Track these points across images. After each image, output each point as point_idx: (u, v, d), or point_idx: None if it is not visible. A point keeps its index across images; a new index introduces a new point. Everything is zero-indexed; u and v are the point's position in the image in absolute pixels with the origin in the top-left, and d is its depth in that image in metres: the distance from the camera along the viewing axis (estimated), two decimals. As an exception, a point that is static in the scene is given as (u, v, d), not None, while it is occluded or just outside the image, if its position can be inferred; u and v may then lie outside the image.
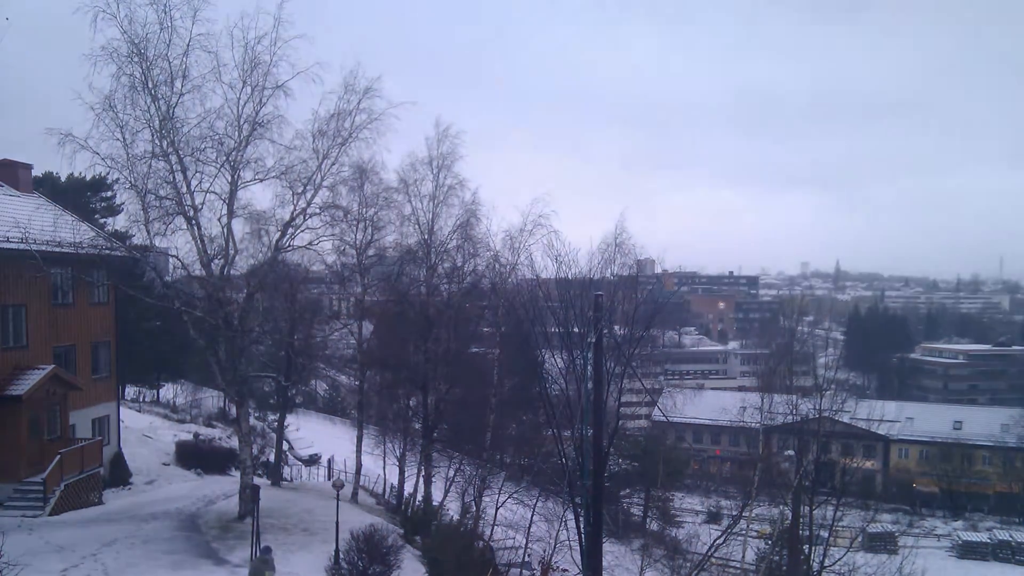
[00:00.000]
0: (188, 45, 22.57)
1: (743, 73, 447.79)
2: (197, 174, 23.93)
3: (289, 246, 26.05)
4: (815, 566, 29.32)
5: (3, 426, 24.48)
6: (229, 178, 24.16)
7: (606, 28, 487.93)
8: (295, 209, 25.31)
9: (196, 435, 42.89)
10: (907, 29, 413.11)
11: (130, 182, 23.40)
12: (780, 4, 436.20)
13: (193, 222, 23.98)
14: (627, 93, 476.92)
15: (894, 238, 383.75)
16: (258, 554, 21.02)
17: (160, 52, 22.64)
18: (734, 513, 35.31)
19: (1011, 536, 57.34)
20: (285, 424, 38.73)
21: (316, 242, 26.56)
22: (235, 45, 23.16)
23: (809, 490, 30.99)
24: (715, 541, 28.99)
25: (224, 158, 23.86)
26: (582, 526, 20.42)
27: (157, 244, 24.06)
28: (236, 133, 23.78)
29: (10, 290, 25.32)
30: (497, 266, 32.75)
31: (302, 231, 25.70)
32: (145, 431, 39.93)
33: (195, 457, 36.78)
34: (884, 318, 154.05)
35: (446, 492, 33.23)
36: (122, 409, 34.24)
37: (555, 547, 29.63)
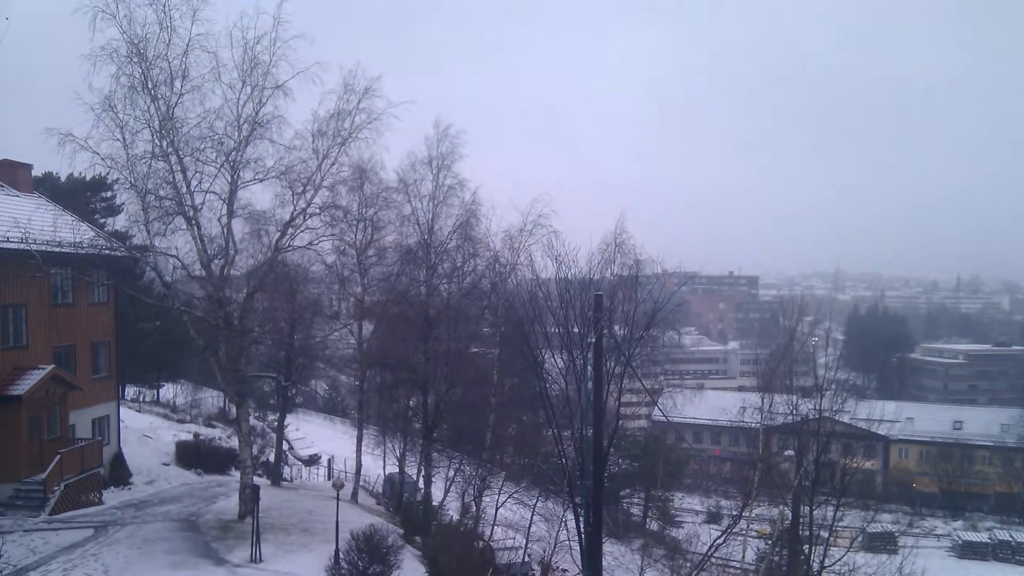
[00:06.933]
0: (188, 45, 22.60)
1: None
2: (197, 174, 23.96)
3: (289, 246, 26.06)
4: (815, 566, 29.25)
5: (3, 426, 24.48)
6: (229, 178, 24.16)
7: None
8: (295, 209, 25.32)
9: (196, 435, 42.88)
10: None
11: (130, 182, 23.40)
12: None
13: (193, 222, 23.98)
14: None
15: (894, 238, 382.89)
16: (258, 555, 21.06)
17: (159, 52, 22.66)
18: (734, 513, 35.28)
19: (1011, 536, 57.41)
20: (285, 424, 38.74)
21: (316, 242, 26.59)
22: (234, 45, 23.21)
23: (809, 490, 30.89)
24: (715, 541, 29.00)
25: (224, 158, 23.87)
26: (582, 526, 20.43)
27: (157, 244, 23.98)
28: (236, 133, 23.79)
29: (10, 290, 25.31)
30: (497, 266, 32.72)
31: (302, 231, 25.72)
32: (145, 431, 39.91)
33: (195, 457, 36.75)
34: (884, 318, 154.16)
35: (446, 492, 33.22)
36: (122, 409, 34.24)
37: (555, 547, 29.60)
